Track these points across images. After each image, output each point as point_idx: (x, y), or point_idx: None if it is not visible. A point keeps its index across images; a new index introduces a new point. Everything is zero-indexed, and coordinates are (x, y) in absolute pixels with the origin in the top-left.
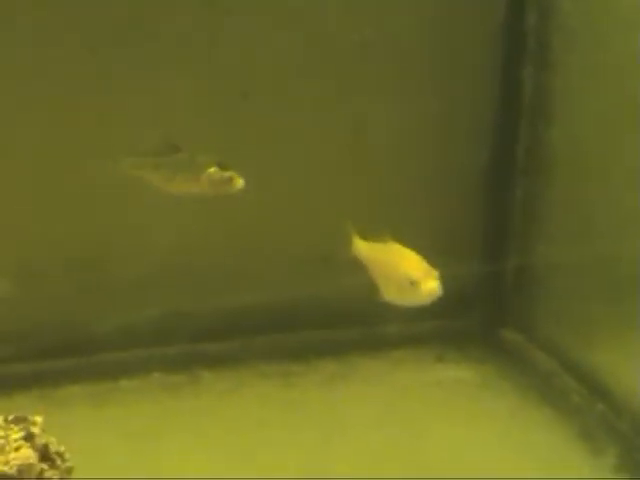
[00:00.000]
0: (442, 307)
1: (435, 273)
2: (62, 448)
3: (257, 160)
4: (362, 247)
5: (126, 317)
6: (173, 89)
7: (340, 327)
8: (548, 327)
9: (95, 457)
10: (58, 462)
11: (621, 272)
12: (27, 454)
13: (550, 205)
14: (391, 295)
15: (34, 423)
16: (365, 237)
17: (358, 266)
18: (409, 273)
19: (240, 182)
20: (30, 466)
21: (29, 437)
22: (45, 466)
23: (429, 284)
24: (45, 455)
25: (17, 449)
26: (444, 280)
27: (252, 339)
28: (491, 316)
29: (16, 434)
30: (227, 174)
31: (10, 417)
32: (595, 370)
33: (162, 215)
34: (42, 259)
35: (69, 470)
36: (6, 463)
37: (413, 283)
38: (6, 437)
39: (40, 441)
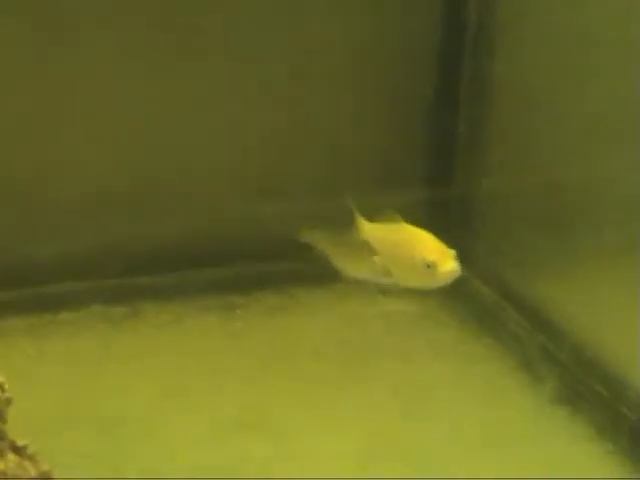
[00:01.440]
0: None
1: (452, 253)
2: (1, 379)
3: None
4: (368, 229)
5: (65, 248)
6: None
7: (283, 259)
8: (490, 259)
9: (35, 388)
10: None
11: (564, 203)
12: None
13: (493, 136)
14: (406, 280)
15: None
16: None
17: (299, 198)
18: (425, 256)
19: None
20: None
21: None
22: None
23: (447, 266)
24: None
25: None
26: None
27: (193, 271)
28: None
29: None
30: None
31: None
32: (537, 302)
33: (98, 143)
34: None
35: (8, 401)
36: None
37: (430, 266)
38: None
39: None
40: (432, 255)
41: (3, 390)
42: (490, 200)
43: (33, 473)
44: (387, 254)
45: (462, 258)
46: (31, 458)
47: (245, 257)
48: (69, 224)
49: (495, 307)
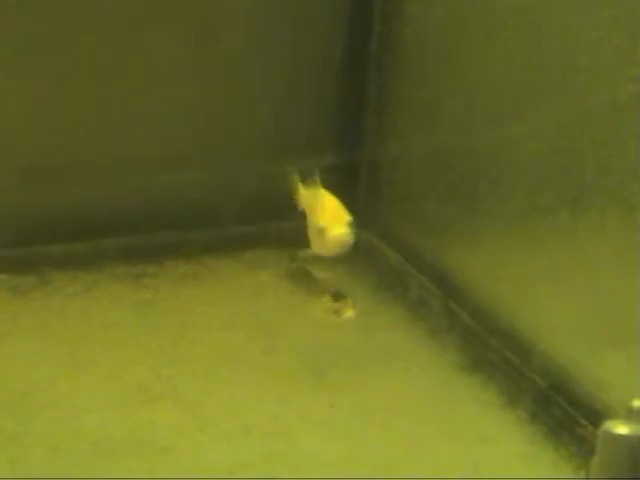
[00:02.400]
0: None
1: (347, 219)
2: None
3: None
4: (304, 196)
5: None
6: None
7: (192, 228)
8: (401, 227)
9: None
10: None
11: (472, 168)
12: None
13: (402, 102)
14: (313, 246)
15: None
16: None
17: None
18: (318, 222)
19: (350, 312)
20: None
21: None
22: None
23: (336, 230)
24: None
25: None
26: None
27: (103, 240)
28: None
29: None
30: (337, 305)
31: None
32: (444, 268)
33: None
34: None
35: None
36: None
37: (320, 231)
38: None
39: None
40: (324, 221)
41: None
42: (401, 168)
43: None
44: (309, 222)
45: (370, 224)
46: None
47: (155, 225)
48: None
49: (403, 273)
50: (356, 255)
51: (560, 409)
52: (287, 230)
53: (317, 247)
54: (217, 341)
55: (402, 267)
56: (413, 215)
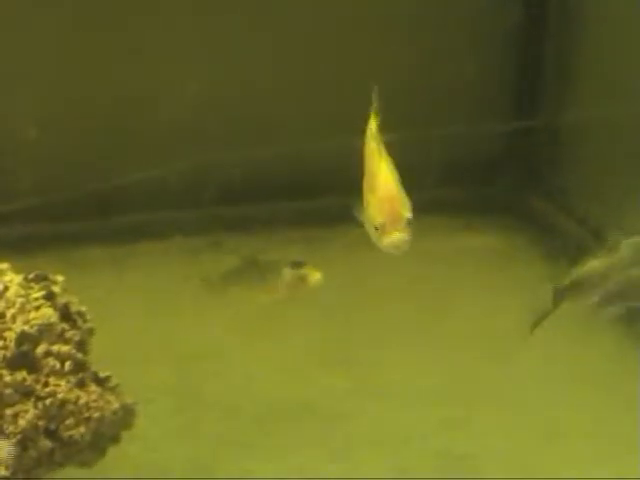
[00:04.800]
0: (471, 173)
1: (404, 218)
2: (83, 308)
3: None
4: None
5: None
6: None
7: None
8: (579, 195)
9: (115, 319)
10: (79, 322)
11: None
12: (48, 313)
13: (583, 67)
14: (367, 224)
15: (55, 282)
16: None
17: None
18: (374, 213)
19: (316, 277)
20: (51, 326)
21: (50, 296)
22: (66, 326)
23: (391, 236)
24: (66, 315)
25: (37, 308)
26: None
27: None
28: (521, 183)
29: (37, 293)
30: (300, 273)
31: (30, 275)
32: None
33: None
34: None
35: (90, 331)
36: (26, 322)
37: (378, 229)
38: (26, 296)
39: (61, 300)
40: (380, 216)
41: (85, 320)
42: (581, 134)
43: (116, 405)
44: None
45: (550, 192)
46: (113, 390)
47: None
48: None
49: (584, 243)
50: (532, 222)
51: None
52: (459, 195)
53: (371, 233)
54: (395, 309)
55: (580, 235)
56: (592, 182)
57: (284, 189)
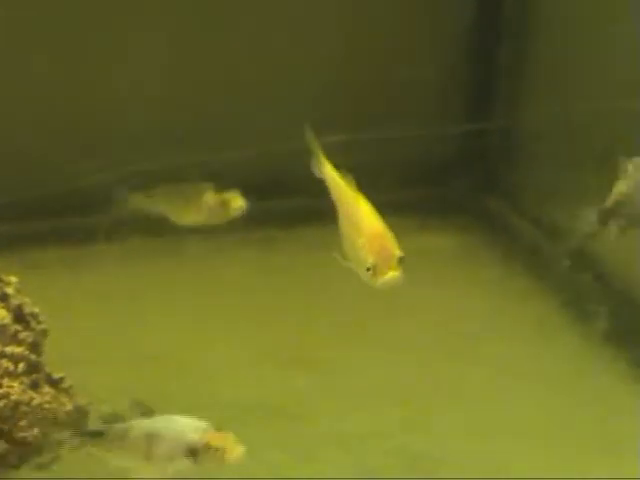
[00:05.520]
0: (426, 174)
1: (397, 256)
2: (36, 310)
3: None
4: (328, 171)
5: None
6: None
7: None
8: (534, 195)
9: (69, 320)
10: (33, 324)
11: (609, 135)
12: (1, 314)
13: (536, 68)
14: (351, 260)
15: (8, 283)
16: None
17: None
18: (365, 254)
19: (238, 203)
20: (4, 327)
21: (3, 297)
22: (20, 327)
23: (387, 275)
24: (19, 316)
25: None
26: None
27: None
28: (476, 183)
29: None
30: (223, 197)
31: None
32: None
33: None
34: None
35: (44, 332)
36: None
37: (370, 269)
38: None
39: (14, 302)
40: (371, 256)
41: (38, 321)
42: (535, 134)
43: (69, 407)
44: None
45: (505, 193)
46: (67, 391)
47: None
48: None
49: (535, 242)
50: (487, 222)
51: None
52: (414, 196)
53: (361, 273)
54: (349, 309)
55: (534, 236)
56: (546, 182)
57: (244, 190)
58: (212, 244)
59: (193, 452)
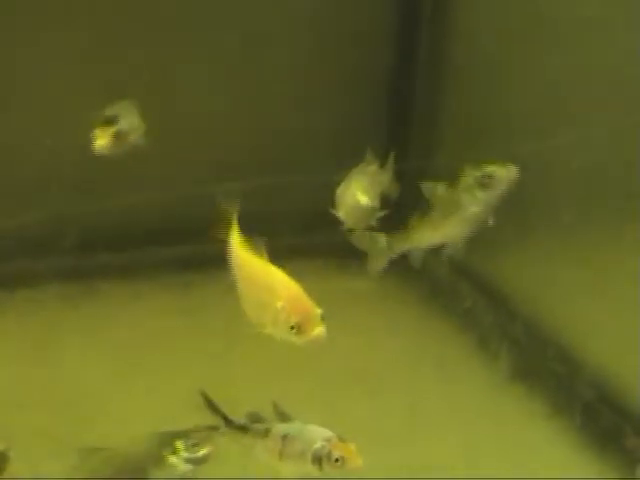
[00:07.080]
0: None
1: (318, 313)
2: None
3: None
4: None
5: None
6: None
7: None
8: None
9: None
10: None
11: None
12: None
13: (452, 108)
14: (266, 327)
15: None
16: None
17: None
18: (287, 315)
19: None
20: None
21: None
22: None
23: (315, 332)
24: None
25: None
26: None
27: (151, 249)
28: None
29: None
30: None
31: None
32: (492, 279)
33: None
34: None
35: None
36: None
37: (294, 327)
38: None
39: None
40: (294, 316)
41: None
42: (448, 177)
43: None
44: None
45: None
46: None
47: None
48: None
49: (453, 284)
50: (405, 265)
51: (607, 420)
52: (332, 239)
53: (283, 335)
54: (266, 349)
55: (452, 278)
56: None
57: (160, 235)
58: (134, 288)
59: (318, 458)
